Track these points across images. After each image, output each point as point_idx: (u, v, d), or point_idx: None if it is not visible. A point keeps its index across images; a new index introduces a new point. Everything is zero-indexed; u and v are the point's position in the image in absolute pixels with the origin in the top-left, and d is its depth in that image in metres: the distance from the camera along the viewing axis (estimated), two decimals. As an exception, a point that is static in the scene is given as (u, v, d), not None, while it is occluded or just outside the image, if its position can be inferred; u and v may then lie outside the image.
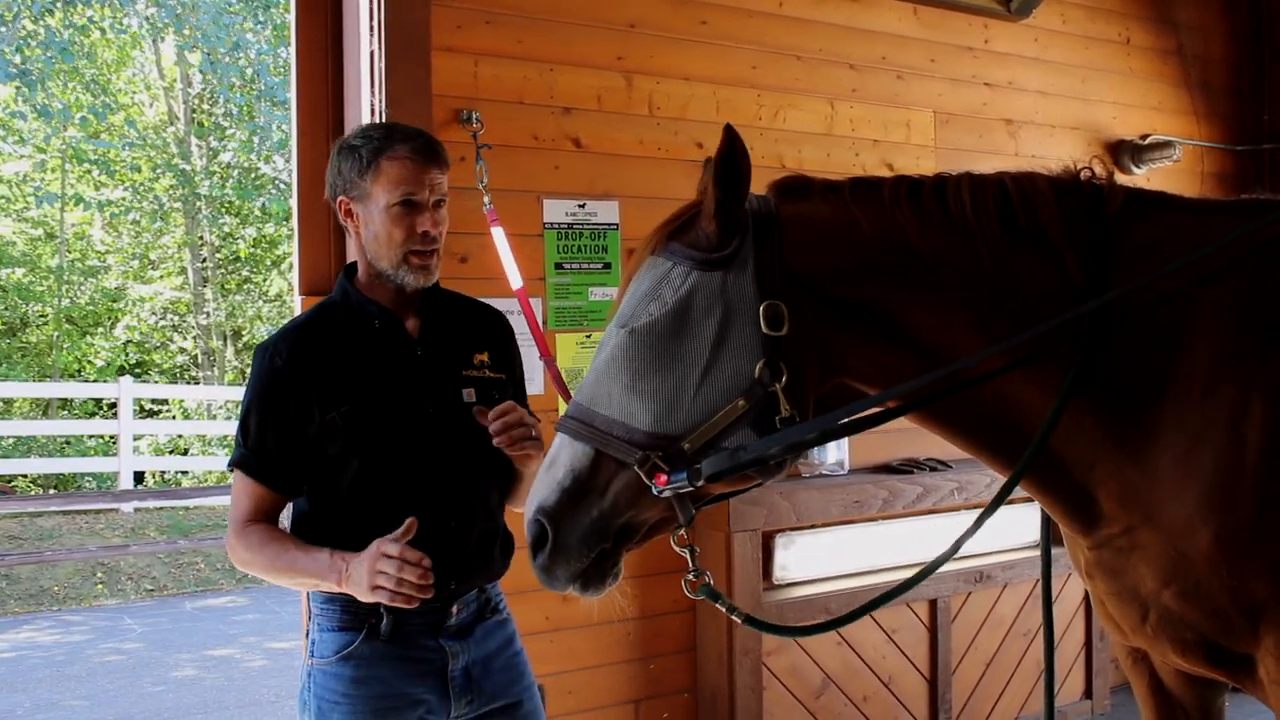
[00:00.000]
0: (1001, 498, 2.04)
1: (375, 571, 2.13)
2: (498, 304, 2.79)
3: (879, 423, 2.00)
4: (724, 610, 2.07)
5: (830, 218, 2.00)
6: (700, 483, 1.87)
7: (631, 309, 1.96)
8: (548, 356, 3.55)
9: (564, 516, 1.92)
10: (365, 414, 2.36)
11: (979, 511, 2.16)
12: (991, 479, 4.84)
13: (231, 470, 2.43)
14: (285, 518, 2.54)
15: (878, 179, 2.06)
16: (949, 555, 2.11)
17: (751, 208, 1.98)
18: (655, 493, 1.88)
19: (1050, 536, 2.34)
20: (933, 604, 4.88)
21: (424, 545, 2.33)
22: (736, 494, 2.13)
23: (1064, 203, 2.02)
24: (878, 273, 1.97)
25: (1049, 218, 1.99)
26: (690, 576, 2.03)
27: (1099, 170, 2.09)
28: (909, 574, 2.13)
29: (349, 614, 2.38)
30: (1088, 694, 5.37)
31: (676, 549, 2.01)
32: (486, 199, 3.83)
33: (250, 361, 2.79)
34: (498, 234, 3.76)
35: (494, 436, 2.33)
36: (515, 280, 3.72)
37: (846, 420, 1.96)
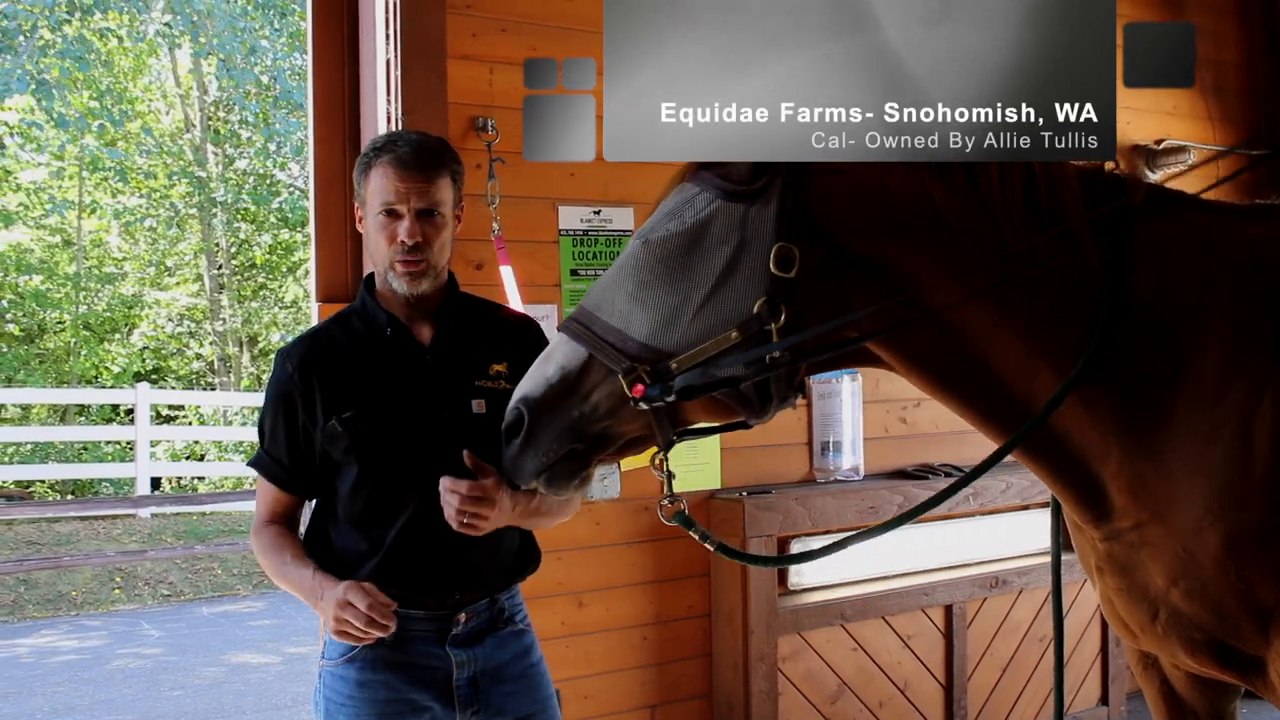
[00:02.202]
0: (1001, 454, 2.05)
1: (339, 618, 2.19)
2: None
3: (854, 351, 2.01)
4: (697, 538, 2.11)
5: (861, 173, 2.01)
6: (671, 397, 1.91)
7: (652, 223, 2.02)
8: None
9: (544, 410, 1.98)
10: (369, 420, 2.38)
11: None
12: (1006, 485, 4.84)
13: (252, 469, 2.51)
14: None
15: None
16: (952, 492, 2.12)
17: None
18: (633, 404, 1.93)
19: (1061, 542, 2.34)
20: (948, 610, 4.87)
21: (426, 553, 2.37)
22: (719, 430, 2.17)
23: (1088, 189, 2.03)
24: (899, 232, 1.98)
25: (1072, 199, 2.00)
26: (665, 502, 2.08)
27: (1124, 167, 2.11)
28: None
29: None
30: (1104, 700, 5.36)
31: (654, 473, 2.06)
32: (495, 225, 3.84)
33: (266, 367, 2.81)
34: (506, 273, 3.79)
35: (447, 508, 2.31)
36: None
37: (821, 344, 1.97)
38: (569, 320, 2.02)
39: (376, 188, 2.36)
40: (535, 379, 2.00)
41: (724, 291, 1.93)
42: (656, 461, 2.05)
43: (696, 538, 2.11)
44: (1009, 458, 2.12)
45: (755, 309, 1.91)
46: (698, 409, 1.99)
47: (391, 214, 2.36)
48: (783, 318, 1.91)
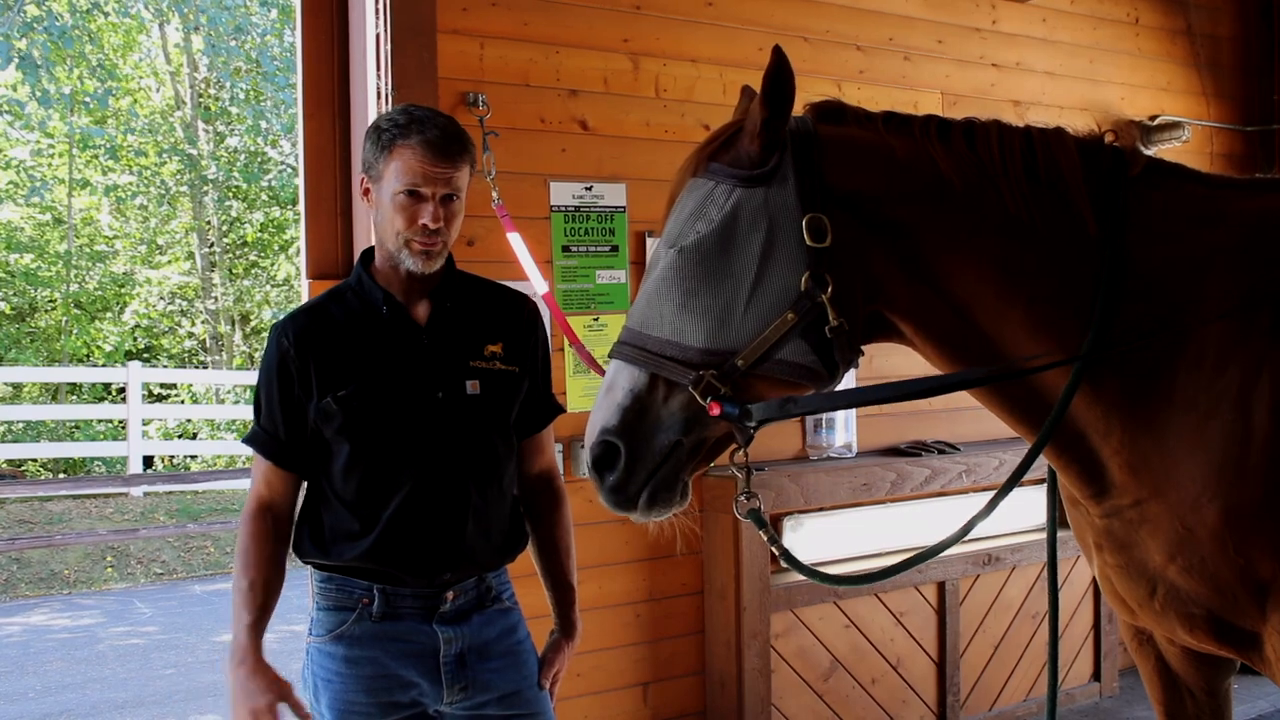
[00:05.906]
0: (1030, 459, 2.07)
1: (255, 711, 2.36)
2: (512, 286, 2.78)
3: (910, 398, 2.04)
4: (765, 539, 2.12)
5: (866, 141, 2.04)
6: (751, 424, 1.92)
7: (679, 229, 2.00)
8: (577, 343, 3.63)
9: (630, 433, 1.95)
10: (362, 399, 2.37)
11: (987, 495, 2.18)
12: (1000, 462, 4.83)
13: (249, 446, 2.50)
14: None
15: (908, 115, 2.11)
16: (998, 500, 2.20)
17: (790, 127, 2.01)
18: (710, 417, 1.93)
19: (1056, 518, 2.34)
20: (941, 586, 4.88)
21: (420, 533, 2.37)
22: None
23: (1086, 159, 2.05)
24: (908, 197, 2.00)
25: (1070, 170, 2.02)
26: (741, 497, 2.08)
27: (1124, 137, 2.12)
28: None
29: (343, 593, 2.43)
30: (1096, 676, 5.38)
31: (734, 471, 2.07)
32: (495, 195, 3.83)
33: (258, 345, 2.79)
34: (515, 240, 3.78)
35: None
36: (540, 285, 3.75)
37: (883, 394, 2.02)
38: (619, 345, 2.00)
39: (402, 168, 2.33)
40: (607, 409, 1.96)
41: (769, 277, 1.93)
42: (736, 458, 2.04)
43: (765, 539, 2.11)
44: (1008, 432, 2.13)
45: (802, 285, 1.92)
46: (772, 398, 1.97)
47: (414, 195, 2.34)
48: (830, 288, 1.91)
